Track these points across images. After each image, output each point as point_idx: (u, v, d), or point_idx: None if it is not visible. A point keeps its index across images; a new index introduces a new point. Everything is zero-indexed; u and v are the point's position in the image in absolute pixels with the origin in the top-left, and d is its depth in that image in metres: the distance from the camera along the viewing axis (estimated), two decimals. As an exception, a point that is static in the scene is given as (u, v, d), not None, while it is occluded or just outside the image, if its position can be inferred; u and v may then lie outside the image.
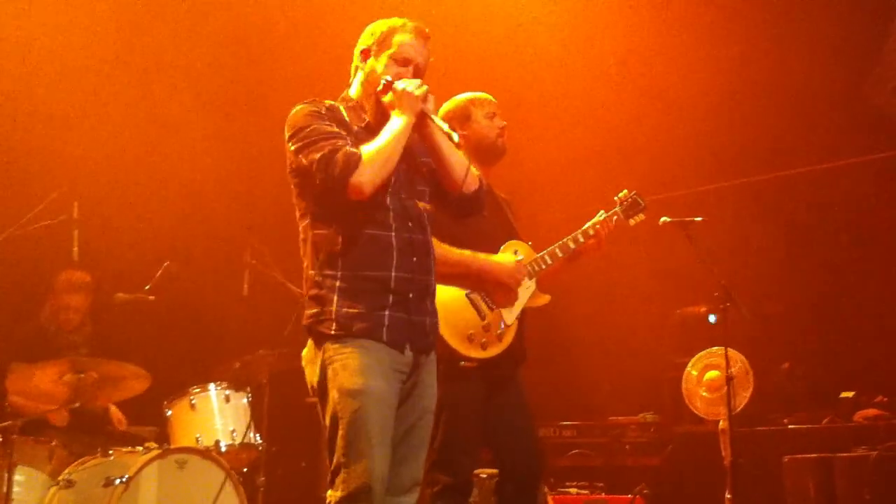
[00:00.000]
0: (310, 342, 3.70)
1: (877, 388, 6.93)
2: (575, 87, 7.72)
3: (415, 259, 3.70)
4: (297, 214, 3.80)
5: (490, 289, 4.43)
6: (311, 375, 3.66)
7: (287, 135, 3.72)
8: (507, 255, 4.55)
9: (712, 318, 7.27)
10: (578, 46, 7.54)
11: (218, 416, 6.15)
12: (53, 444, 5.63)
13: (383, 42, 3.79)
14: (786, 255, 7.88)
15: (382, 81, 3.72)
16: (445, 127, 3.71)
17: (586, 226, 4.78)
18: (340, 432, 3.48)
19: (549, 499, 6.26)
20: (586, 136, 7.96)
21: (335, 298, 3.60)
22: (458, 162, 3.82)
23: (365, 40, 3.85)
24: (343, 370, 3.52)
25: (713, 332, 6.27)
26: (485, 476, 5.49)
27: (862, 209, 7.56)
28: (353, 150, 3.58)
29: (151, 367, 5.73)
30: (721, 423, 6.17)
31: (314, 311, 3.65)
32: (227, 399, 6.20)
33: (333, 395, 3.52)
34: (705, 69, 7.59)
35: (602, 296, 8.17)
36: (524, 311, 4.58)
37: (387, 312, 3.61)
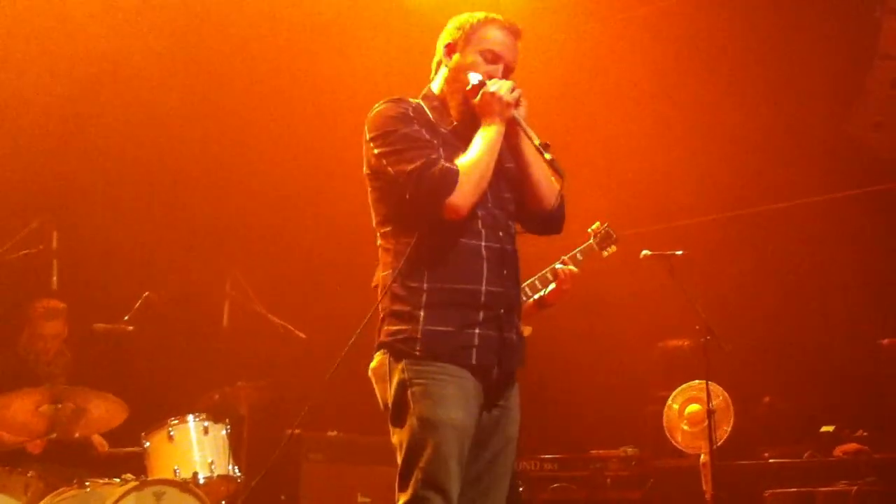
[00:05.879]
0: (381, 356, 3.42)
1: (857, 422, 6.94)
2: (554, 121, 7.75)
3: (505, 272, 3.46)
4: (375, 220, 3.54)
5: None
6: (384, 393, 3.39)
7: (369, 135, 3.47)
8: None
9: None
10: (556, 83, 7.55)
11: (196, 447, 6.09)
12: (30, 475, 5.56)
13: (471, 36, 3.55)
14: (766, 288, 7.90)
15: (471, 81, 3.48)
16: (536, 140, 3.41)
17: (564, 258, 4.78)
18: (420, 464, 3.25)
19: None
20: (568, 170, 7.95)
21: (422, 315, 3.33)
22: (546, 178, 3.60)
23: (450, 34, 3.60)
24: (424, 398, 3.27)
25: (694, 366, 6.25)
26: None
27: (843, 243, 7.58)
28: (449, 165, 3.34)
29: (130, 397, 5.68)
30: (702, 456, 6.17)
31: (397, 328, 3.37)
32: (206, 431, 6.14)
33: (413, 422, 3.27)
34: (687, 105, 7.64)
35: (583, 329, 8.15)
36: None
37: (477, 331, 3.36)
